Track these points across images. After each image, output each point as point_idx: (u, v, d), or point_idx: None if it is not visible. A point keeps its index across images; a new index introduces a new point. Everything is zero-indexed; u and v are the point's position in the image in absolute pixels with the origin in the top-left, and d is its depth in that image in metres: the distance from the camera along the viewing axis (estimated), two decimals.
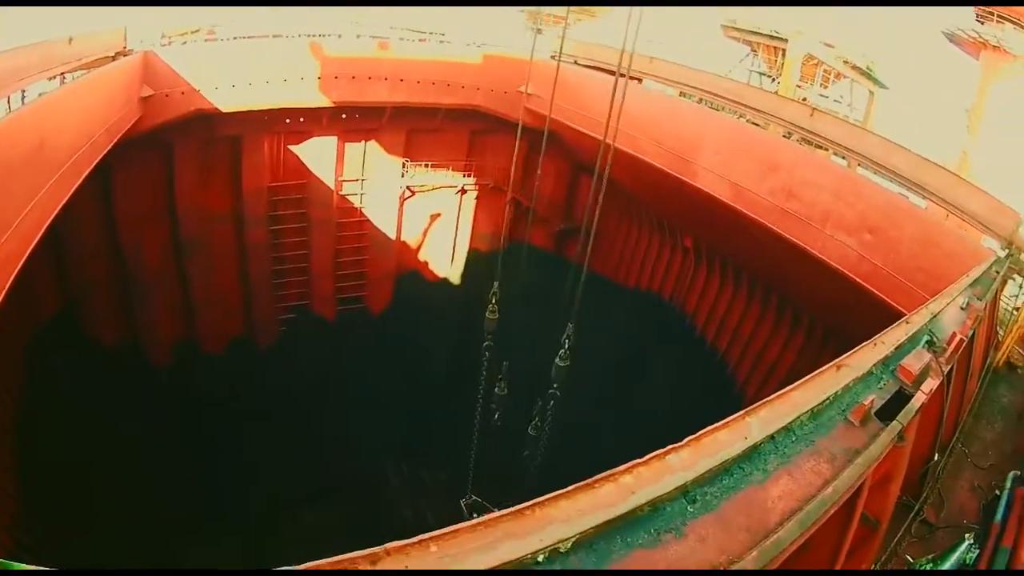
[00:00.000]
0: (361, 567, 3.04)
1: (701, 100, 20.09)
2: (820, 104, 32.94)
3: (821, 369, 5.91)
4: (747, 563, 3.68)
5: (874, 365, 6.23)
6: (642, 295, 25.56)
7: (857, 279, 14.61)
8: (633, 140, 19.45)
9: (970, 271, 10.87)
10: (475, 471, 17.12)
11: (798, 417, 5.12)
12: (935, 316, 7.92)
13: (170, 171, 20.79)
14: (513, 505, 3.59)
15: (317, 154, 23.78)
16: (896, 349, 6.67)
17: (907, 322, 7.47)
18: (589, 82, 21.91)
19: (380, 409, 26.13)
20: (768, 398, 5.25)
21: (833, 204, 15.25)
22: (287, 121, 22.19)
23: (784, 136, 17.97)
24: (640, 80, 21.57)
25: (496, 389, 15.89)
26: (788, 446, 4.85)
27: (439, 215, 27.32)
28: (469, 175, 26.71)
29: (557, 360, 13.57)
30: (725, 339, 22.33)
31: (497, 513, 3.51)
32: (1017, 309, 14.55)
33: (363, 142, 24.52)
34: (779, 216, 16.20)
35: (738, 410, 5.01)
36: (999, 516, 8.79)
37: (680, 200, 20.23)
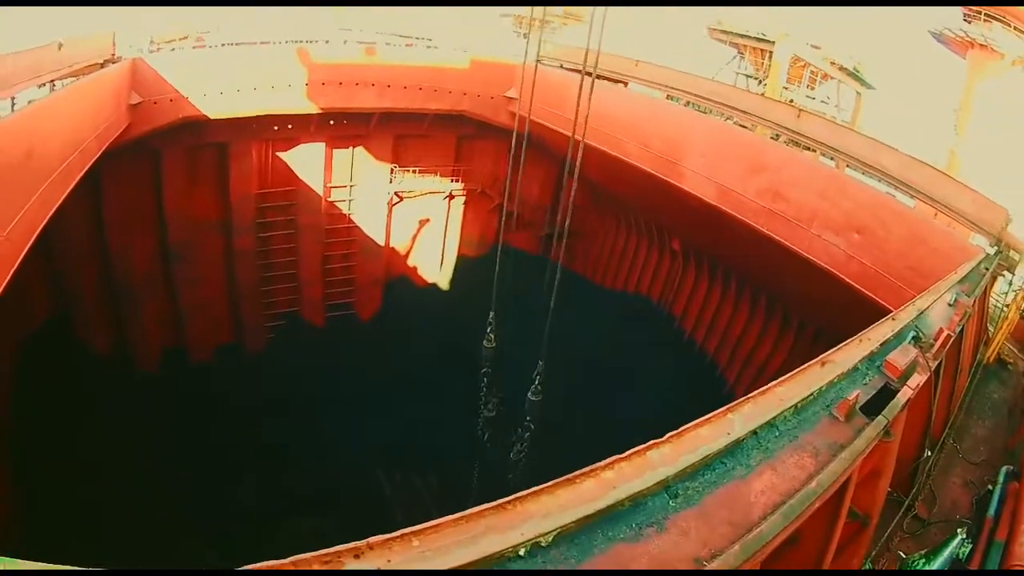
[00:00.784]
0: (344, 560, 3.02)
1: (688, 103, 20.12)
2: (807, 106, 33.07)
3: (805, 365, 5.91)
4: (730, 556, 3.67)
5: (859, 361, 6.23)
6: (630, 298, 25.60)
7: (845, 278, 14.64)
8: (619, 143, 19.49)
9: (958, 268, 10.90)
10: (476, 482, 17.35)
11: (781, 412, 5.10)
12: (922, 312, 7.93)
13: (158, 178, 20.72)
14: None
15: (305, 160, 23.76)
16: (882, 345, 6.68)
17: (893, 318, 7.48)
18: (573, 86, 21.92)
19: (370, 415, 26.07)
20: (751, 394, 5.24)
21: (820, 204, 15.29)
22: (275, 128, 22.16)
23: (772, 138, 18.02)
24: (626, 83, 21.61)
25: (484, 411, 16.39)
26: (771, 441, 4.84)
27: (427, 220, 27.33)
28: (457, 180, 26.74)
29: (530, 395, 14.02)
30: (714, 340, 22.38)
31: (478, 508, 3.50)
32: (1007, 306, 14.59)
33: (351, 148, 24.52)
34: (766, 217, 16.23)
35: None
36: (992, 510, 8.79)
37: (667, 202, 20.25)
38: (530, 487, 3.73)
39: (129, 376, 21.65)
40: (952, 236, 13.80)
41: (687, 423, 4.72)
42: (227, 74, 19.33)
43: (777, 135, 17.88)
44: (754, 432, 4.82)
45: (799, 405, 5.30)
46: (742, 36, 38.85)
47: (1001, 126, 29.61)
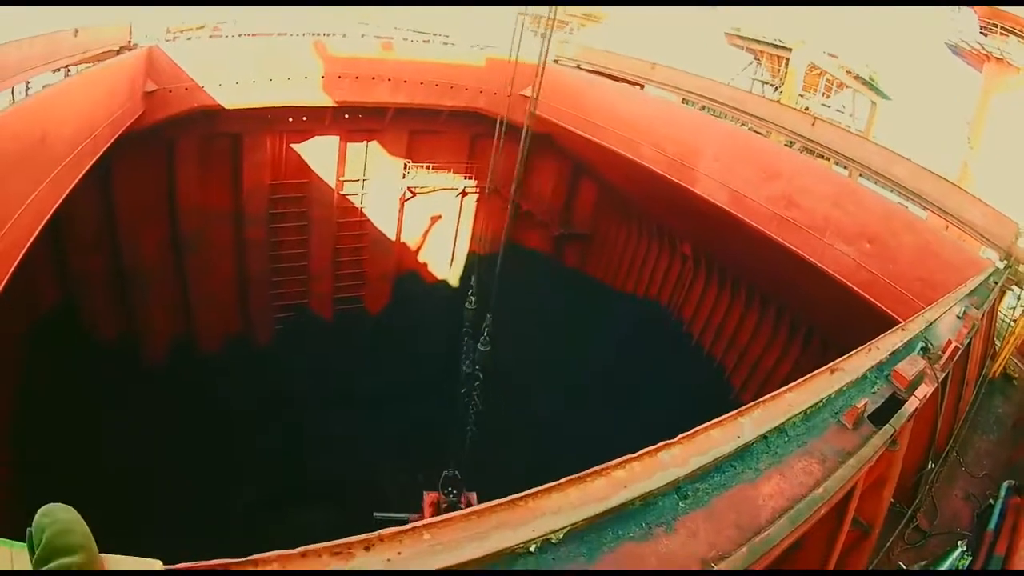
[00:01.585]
0: (355, 551, 3.06)
1: (703, 107, 20.12)
2: (822, 114, 32.99)
3: (815, 372, 5.94)
4: (737, 558, 3.71)
5: (868, 369, 6.26)
6: (640, 301, 25.59)
7: (855, 288, 14.62)
8: (633, 145, 19.50)
9: (968, 281, 10.90)
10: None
11: (791, 418, 5.14)
12: (931, 324, 7.95)
13: (171, 167, 20.77)
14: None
15: (319, 153, 23.80)
16: (891, 355, 6.70)
17: (903, 329, 7.50)
18: (590, 86, 21.96)
19: (376, 409, 26.12)
20: (762, 398, 5.27)
21: (832, 212, 15.27)
22: (289, 120, 22.21)
23: (786, 145, 18.01)
24: (642, 86, 21.62)
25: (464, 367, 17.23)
26: (780, 446, 4.87)
27: (439, 217, 27.34)
28: (470, 177, 26.76)
29: (479, 345, 15.90)
30: (722, 346, 22.36)
31: (489, 503, 3.54)
32: (1015, 320, 14.55)
33: (365, 142, 24.56)
34: (778, 224, 16.21)
35: None
36: (992, 524, 8.82)
37: (679, 206, 20.25)
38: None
39: (136, 365, 21.68)
40: (962, 249, 13.77)
41: (691, 426, 4.75)
42: (243, 64, 19.36)
43: (791, 142, 17.88)
44: (764, 436, 4.85)
45: (808, 411, 5.34)
46: (759, 42, 38.77)
47: (1015, 140, 29.50)
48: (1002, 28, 28.96)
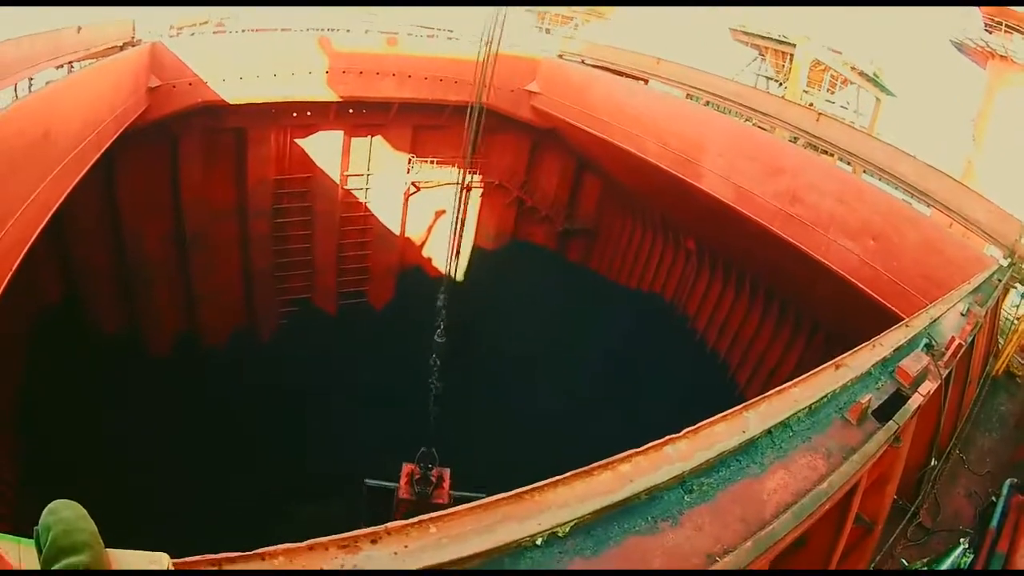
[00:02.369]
0: (362, 544, 3.08)
1: (708, 102, 20.09)
2: (826, 110, 32.96)
3: (820, 368, 5.95)
4: (741, 552, 3.72)
5: (872, 366, 6.27)
6: (644, 296, 25.59)
7: (859, 284, 14.62)
8: (638, 140, 19.48)
9: (972, 278, 10.89)
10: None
11: (795, 413, 5.15)
12: (935, 320, 7.96)
13: (175, 162, 20.78)
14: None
15: (323, 148, 23.80)
16: (895, 351, 6.71)
17: (907, 325, 7.51)
18: (595, 82, 21.94)
19: (380, 404, 26.10)
20: (766, 394, 5.29)
21: (837, 209, 15.26)
22: (294, 114, 22.20)
23: (790, 140, 17.99)
24: (647, 81, 21.60)
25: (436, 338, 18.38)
26: (784, 441, 4.89)
27: (443, 212, 27.24)
28: (474, 172, 26.71)
29: (435, 337, 17.80)
30: (726, 342, 22.35)
31: (496, 497, 3.56)
32: (1018, 319, 14.52)
33: (369, 137, 24.56)
34: (782, 220, 16.21)
35: None
36: (995, 522, 8.81)
37: (684, 201, 20.25)
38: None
39: (140, 360, 21.69)
40: (966, 246, 13.77)
41: (695, 421, 4.76)
42: (247, 59, 19.38)
43: (796, 138, 17.86)
44: (768, 431, 4.87)
45: (813, 407, 5.36)
46: (763, 38, 38.68)
47: (1020, 137, 29.38)
48: (1007, 26, 28.86)
